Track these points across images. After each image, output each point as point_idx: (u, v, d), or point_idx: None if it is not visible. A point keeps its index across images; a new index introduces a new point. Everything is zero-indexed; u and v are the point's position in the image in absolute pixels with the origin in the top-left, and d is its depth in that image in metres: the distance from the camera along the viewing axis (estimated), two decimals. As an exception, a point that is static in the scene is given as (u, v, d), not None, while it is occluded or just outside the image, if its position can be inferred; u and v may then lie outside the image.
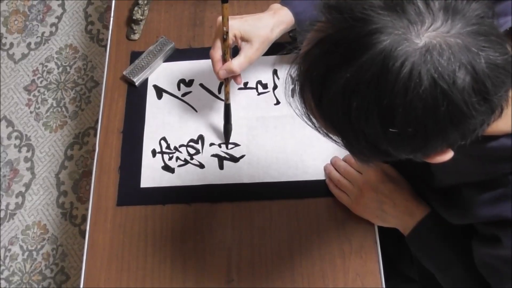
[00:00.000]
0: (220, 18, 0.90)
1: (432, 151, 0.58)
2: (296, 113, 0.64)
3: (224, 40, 0.91)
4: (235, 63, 0.93)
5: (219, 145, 1.06)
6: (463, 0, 0.52)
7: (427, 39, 0.50)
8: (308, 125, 0.64)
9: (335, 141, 0.62)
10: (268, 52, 0.96)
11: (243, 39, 0.93)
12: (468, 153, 0.59)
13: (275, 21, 0.94)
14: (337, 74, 0.53)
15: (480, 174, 0.71)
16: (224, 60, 0.94)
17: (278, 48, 0.95)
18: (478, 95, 0.51)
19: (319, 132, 0.64)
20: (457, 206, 0.79)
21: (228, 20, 0.88)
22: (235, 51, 0.95)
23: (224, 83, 0.98)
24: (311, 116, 0.62)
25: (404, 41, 0.50)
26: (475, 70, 0.50)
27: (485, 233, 0.76)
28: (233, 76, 0.96)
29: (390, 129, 0.53)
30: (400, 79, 0.50)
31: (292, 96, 0.64)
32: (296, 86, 0.62)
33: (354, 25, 0.52)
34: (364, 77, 0.51)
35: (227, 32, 0.90)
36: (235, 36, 0.92)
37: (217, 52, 0.93)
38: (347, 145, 0.60)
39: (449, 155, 0.59)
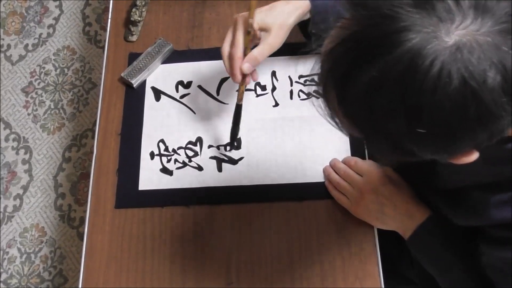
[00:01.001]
0: (237, 15, 0.89)
1: (459, 152, 0.57)
2: (319, 112, 0.63)
3: (249, 33, 0.89)
4: (257, 52, 0.90)
5: (218, 147, 1.05)
6: None
7: (457, 38, 0.49)
8: (332, 125, 0.63)
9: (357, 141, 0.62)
10: (280, 53, 0.95)
11: (262, 29, 0.91)
12: (484, 153, 0.58)
13: (291, 7, 0.92)
14: (362, 72, 0.52)
15: (494, 176, 0.70)
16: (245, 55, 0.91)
17: (292, 48, 0.94)
18: (508, 95, 0.50)
19: (342, 132, 0.63)
20: (466, 207, 0.78)
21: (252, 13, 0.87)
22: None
23: (240, 82, 0.94)
24: (334, 116, 0.61)
25: (433, 39, 0.49)
26: (505, 69, 0.49)
27: (496, 236, 0.75)
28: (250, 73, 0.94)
29: (417, 129, 0.52)
30: (429, 78, 0.49)
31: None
32: (319, 85, 0.61)
33: (381, 23, 0.51)
34: (390, 76, 0.51)
35: (252, 25, 0.88)
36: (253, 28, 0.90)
37: (239, 50, 0.90)
38: (370, 144, 0.59)
39: (474, 156, 0.57)
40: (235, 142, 1.04)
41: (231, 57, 0.91)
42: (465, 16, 0.50)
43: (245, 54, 0.91)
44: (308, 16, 0.95)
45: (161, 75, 1.13)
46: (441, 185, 0.83)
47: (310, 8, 0.94)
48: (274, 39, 0.91)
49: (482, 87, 0.49)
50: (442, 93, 0.49)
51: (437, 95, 0.49)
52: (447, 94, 0.49)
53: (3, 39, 2.15)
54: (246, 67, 0.90)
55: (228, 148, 1.05)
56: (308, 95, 1.08)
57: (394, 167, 0.92)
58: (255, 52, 0.90)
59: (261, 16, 0.91)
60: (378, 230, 0.97)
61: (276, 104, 1.08)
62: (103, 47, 1.97)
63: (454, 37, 0.49)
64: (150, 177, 1.04)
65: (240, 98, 0.98)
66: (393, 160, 0.62)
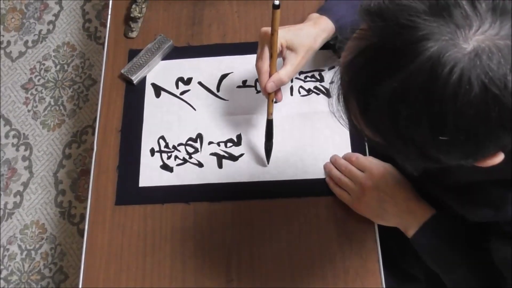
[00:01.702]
0: (265, 28, 0.88)
1: (484, 156, 0.57)
2: (340, 123, 0.64)
3: (271, 56, 0.89)
4: (283, 73, 0.91)
5: (218, 144, 1.05)
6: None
7: (476, 43, 0.49)
8: (352, 132, 0.64)
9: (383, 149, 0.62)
10: None
11: (288, 48, 0.92)
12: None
13: (317, 31, 0.94)
14: (383, 83, 0.52)
15: None
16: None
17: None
18: None
19: (365, 140, 0.63)
20: (481, 203, 0.77)
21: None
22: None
23: (269, 97, 0.95)
24: (356, 125, 0.62)
25: (452, 47, 0.49)
26: None
27: (511, 232, 0.74)
28: (275, 92, 0.94)
29: (440, 137, 0.52)
30: (449, 86, 0.49)
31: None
32: (340, 96, 0.61)
33: (400, 33, 0.51)
34: (412, 86, 0.51)
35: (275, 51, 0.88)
36: (281, 45, 0.91)
37: (265, 64, 0.91)
38: (395, 152, 0.60)
39: (500, 157, 0.57)
40: (269, 157, 1.02)
41: (258, 70, 0.92)
42: (482, 20, 0.50)
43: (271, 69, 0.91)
44: (333, 33, 0.96)
45: (161, 71, 1.13)
46: (452, 181, 0.82)
47: (335, 31, 0.95)
48: (301, 62, 0.92)
49: (503, 92, 0.49)
50: (463, 100, 0.49)
51: (459, 102, 0.49)
52: (468, 101, 0.49)
53: (3, 36, 2.15)
54: (270, 86, 0.91)
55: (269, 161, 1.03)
56: (309, 91, 1.08)
57: (418, 174, 0.91)
58: (282, 73, 0.91)
59: (289, 36, 0.91)
60: (382, 226, 0.97)
61: (276, 101, 1.07)
62: (103, 44, 1.97)
63: (472, 43, 0.49)
64: (150, 174, 1.04)
65: (269, 113, 0.97)
66: (418, 166, 0.62)
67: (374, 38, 0.54)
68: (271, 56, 0.90)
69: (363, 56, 0.55)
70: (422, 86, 0.50)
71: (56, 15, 2.15)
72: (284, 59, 0.93)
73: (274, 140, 1.03)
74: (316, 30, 0.94)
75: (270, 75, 0.92)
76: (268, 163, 1.02)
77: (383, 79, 0.52)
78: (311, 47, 0.93)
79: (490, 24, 0.49)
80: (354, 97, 0.57)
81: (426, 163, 0.59)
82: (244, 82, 1.10)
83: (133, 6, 1.17)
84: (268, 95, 0.94)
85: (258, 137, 1.05)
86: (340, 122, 0.64)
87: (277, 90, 0.94)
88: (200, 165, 1.04)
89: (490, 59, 0.48)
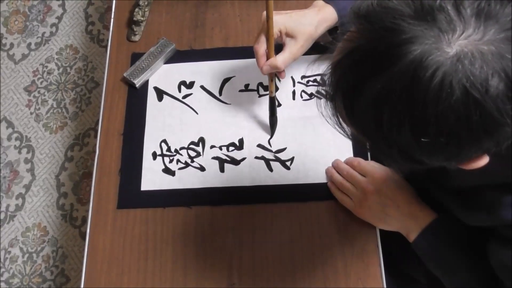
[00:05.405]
0: (265, 13, 0.89)
1: (467, 159, 0.57)
2: (328, 122, 0.64)
3: (267, 40, 0.91)
4: (280, 59, 0.92)
5: (220, 148, 1.05)
6: (496, 4, 0.50)
7: (459, 48, 0.49)
8: (340, 133, 0.64)
9: (368, 148, 0.62)
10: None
11: (288, 35, 0.93)
12: (499, 154, 0.58)
13: (320, 18, 0.95)
14: (368, 85, 0.53)
15: (509, 176, 0.69)
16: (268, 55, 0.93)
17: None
18: None
19: (351, 140, 0.64)
20: (478, 207, 0.77)
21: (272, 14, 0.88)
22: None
23: (269, 77, 0.98)
24: (343, 125, 0.62)
25: (435, 50, 0.49)
26: (508, 77, 0.49)
27: (506, 235, 0.74)
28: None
29: (422, 139, 0.52)
30: (431, 89, 0.49)
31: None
32: (327, 96, 0.61)
33: (385, 36, 0.52)
34: (395, 88, 0.51)
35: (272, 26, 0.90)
36: (280, 32, 0.92)
37: (262, 47, 0.93)
38: (380, 153, 0.60)
39: (484, 160, 0.58)
40: (274, 130, 1.05)
41: (255, 52, 0.94)
42: (466, 25, 0.50)
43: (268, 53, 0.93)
44: (336, 23, 0.97)
45: (164, 75, 1.13)
46: (452, 185, 0.82)
47: (337, 20, 0.96)
48: (299, 49, 0.94)
49: (484, 96, 0.49)
50: (444, 104, 0.50)
51: (440, 106, 0.50)
52: (449, 105, 0.49)
53: (6, 38, 2.15)
54: (266, 69, 0.93)
55: (269, 138, 1.05)
56: (311, 95, 1.08)
57: (405, 174, 0.92)
58: (279, 59, 0.92)
59: (290, 23, 0.92)
60: (383, 229, 0.96)
61: (279, 105, 1.07)
62: (105, 46, 1.98)
63: (455, 47, 0.50)
64: (152, 178, 1.04)
65: (271, 91, 1.00)
66: (404, 167, 0.62)
67: (361, 40, 0.55)
68: (267, 40, 0.91)
69: (350, 58, 0.56)
70: (405, 89, 0.51)
71: (59, 18, 2.16)
72: (283, 45, 0.94)
73: (277, 143, 1.03)
74: (318, 18, 0.95)
75: (268, 58, 0.93)
76: (272, 136, 1.05)
77: (367, 81, 0.53)
78: (311, 35, 0.94)
79: (474, 29, 0.50)
80: (341, 97, 0.58)
81: (410, 165, 0.60)
82: (247, 86, 1.10)
83: (136, 9, 1.17)
84: (268, 75, 0.96)
85: (260, 141, 1.05)
86: (328, 122, 0.65)
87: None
88: (202, 169, 1.04)
89: (472, 64, 0.49)
